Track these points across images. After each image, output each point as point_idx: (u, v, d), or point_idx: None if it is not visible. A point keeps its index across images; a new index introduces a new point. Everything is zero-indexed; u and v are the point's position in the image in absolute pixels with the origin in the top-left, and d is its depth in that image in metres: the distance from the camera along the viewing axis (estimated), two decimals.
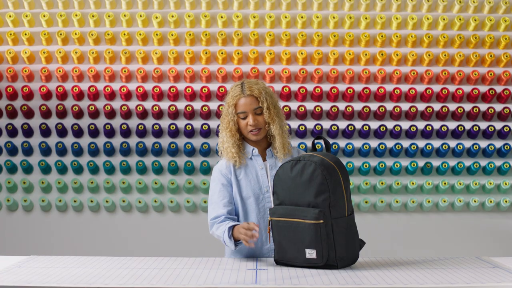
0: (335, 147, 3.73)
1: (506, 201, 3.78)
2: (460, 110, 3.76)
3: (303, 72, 3.72)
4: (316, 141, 2.34)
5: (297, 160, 2.08)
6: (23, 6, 3.80)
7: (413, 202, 3.77)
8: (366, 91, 3.74)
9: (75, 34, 3.72)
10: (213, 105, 3.77)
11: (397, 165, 3.75)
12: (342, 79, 3.81)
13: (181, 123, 3.77)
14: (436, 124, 3.79)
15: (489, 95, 3.77)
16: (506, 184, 3.77)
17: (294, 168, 2.07)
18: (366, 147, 3.74)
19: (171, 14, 3.74)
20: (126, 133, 3.76)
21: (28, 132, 3.76)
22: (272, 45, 3.79)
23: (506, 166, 3.76)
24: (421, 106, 3.79)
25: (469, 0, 3.78)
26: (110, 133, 3.76)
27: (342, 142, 3.78)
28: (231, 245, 2.24)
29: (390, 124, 3.78)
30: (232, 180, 2.38)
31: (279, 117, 2.36)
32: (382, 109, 3.74)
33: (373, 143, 3.80)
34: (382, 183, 3.74)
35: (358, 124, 3.78)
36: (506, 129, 3.77)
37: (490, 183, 3.76)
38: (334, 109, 3.73)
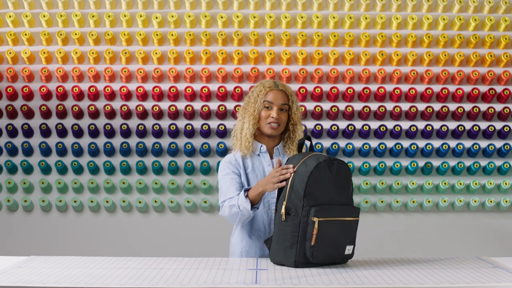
0: (335, 147, 3.73)
1: (506, 201, 3.78)
2: (460, 110, 3.76)
3: (303, 72, 3.72)
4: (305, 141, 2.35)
5: (331, 160, 2.08)
6: (23, 6, 3.80)
7: (413, 202, 3.76)
8: (366, 91, 3.74)
9: (75, 34, 3.72)
10: (213, 105, 3.77)
11: (397, 165, 3.75)
12: (342, 79, 3.81)
13: (181, 123, 3.77)
14: (436, 124, 3.78)
15: (489, 95, 3.77)
16: (506, 184, 3.77)
17: (332, 169, 2.07)
18: (366, 147, 3.74)
19: (171, 14, 3.74)
20: (126, 133, 3.76)
21: (28, 132, 3.76)
22: (272, 45, 3.79)
23: (506, 166, 3.76)
24: (421, 106, 3.79)
25: (469, 0, 3.77)
26: (110, 133, 3.75)
27: (342, 142, 3.78)
28: (247, 205, 2.20)
29: (390, 124, 3.78)
30: (241, 172, 2.39)
31: (300, 123, 2.47)
32: (382, 109, 3.74)
33: (373, 143, 3.80)
34: (382, 183, 3.74)
35: (358, 124, 3.78)
36: (506, 129, 3.77)
37: (490, 183, 3.76)
38: (334, 109, 3.73)
